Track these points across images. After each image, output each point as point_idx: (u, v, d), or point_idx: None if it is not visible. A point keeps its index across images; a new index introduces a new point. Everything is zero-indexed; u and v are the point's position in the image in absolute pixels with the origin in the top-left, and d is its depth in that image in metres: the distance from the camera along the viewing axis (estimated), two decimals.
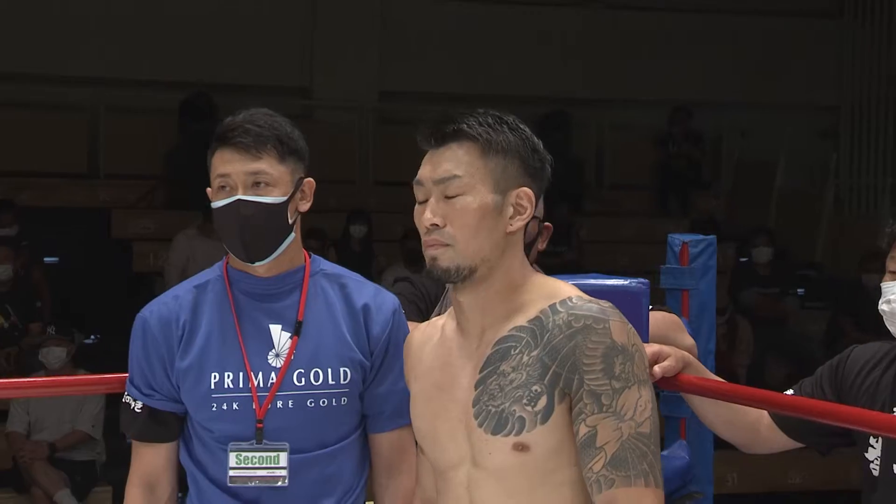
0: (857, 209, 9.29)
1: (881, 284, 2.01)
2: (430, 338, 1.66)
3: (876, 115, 9.48)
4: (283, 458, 1.77)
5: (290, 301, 1.83)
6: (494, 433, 1.47)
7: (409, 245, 7.00)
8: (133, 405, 1.85)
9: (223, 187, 1.77)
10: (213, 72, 8.29)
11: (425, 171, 1.53)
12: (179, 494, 2.02)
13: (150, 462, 1.87)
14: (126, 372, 2.01)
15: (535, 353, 1.46)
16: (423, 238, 1.50)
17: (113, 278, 7.41)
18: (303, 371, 1.79)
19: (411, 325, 1.87)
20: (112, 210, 7.84)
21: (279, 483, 1.77)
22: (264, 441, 1.76)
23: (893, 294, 1.94)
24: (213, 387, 1.77)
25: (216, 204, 1.80)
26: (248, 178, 1.74)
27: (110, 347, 6.76)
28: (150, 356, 1.84)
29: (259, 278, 1.82)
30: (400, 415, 1.87)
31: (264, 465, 1.78)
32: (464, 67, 9.04)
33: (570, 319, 1.45)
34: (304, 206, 1.84)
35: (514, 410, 1.46)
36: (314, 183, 1.83)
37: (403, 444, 1.89)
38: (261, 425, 1.75)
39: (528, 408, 1.45)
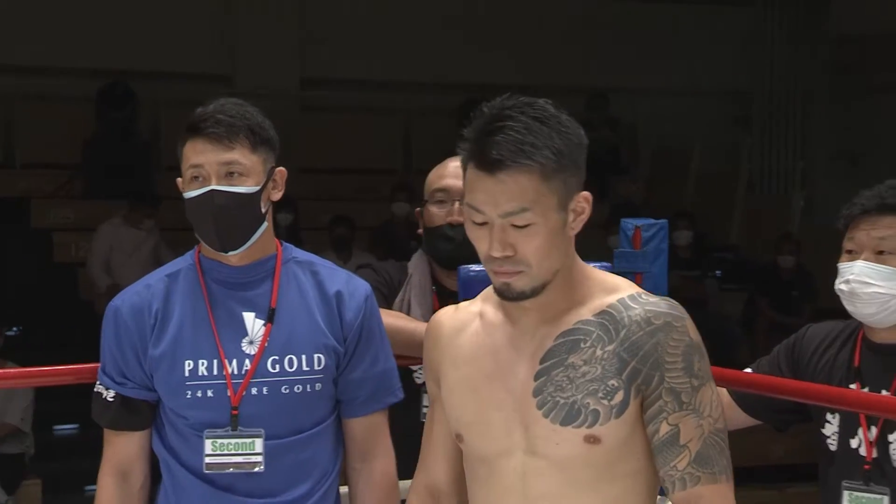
0: (769, 192, 9.53)
1: (838, 265, 2.03)
2: (465, 325, 1.64)
3: (786, 101, 9.72)
4: (259, 445, 1.75)
5: (262, 289, 1.81)
6: (564, 424, 1.47)
7: (336, 232, 7.03)
8: (105, 394, 1.82)
9: (196, 178, 1.75)
10: (132, 59, 8.11)
11: (485, 202, 1.45)
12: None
13: (123, 451, 1.84)
14: (48, 364, 2.03)
15: (609, 347, 1.47)
16: (492, 266, 1.47)
17: (33, 269, 7.26)
18: (277, 358, 1.77)
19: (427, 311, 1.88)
20: (31, 200, 7.66)
21: (255, 469, 1.75)
22: (239, 428, 1.75)
23: (851, 274, 1.96)
24: (186, 374, 1.75)
25: (189, 194, 1.78)
26: (221, 168, 1.73)
27: (33, 340, 6.68)
28: (123, 344, 1.81)
29: (232, 267, 1.80)
30: (374, 400, 1.89)
31: (240, 452, 1.76)
32: (383, 54, 8.94)
33: (650, 316, 1.46)
34: (276, 195, 1.84)
35: (588, 403, 1.46)
36: (285, 172, 1.82)
37: (377, 429, 1.89)
38: (236, 412, 1.74)
39: (604, 401, 1.46)
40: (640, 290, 1.57)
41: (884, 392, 1.93)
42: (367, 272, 2.30)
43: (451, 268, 2.26)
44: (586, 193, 1.46)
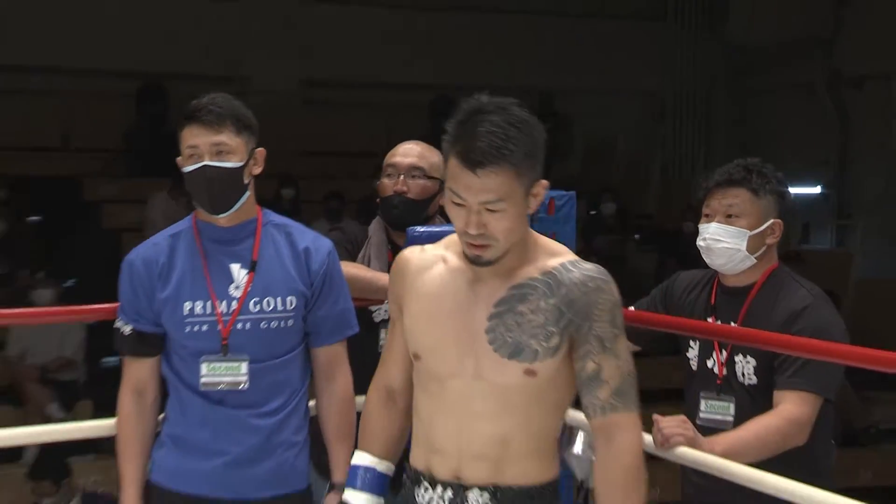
0: (678, 173, 9.58)
1: (699, 226, 2.03)
2: (430, 264, 1.60)
3: (693, 99, 9.76)
4: (244, 367, 1.75)
5: (246, 245, 1.81)
6: (510, 358, 1.45)
7: (330, 205, 7.09)
8: (123, 329, 1.82)
9: (192, 156, 1.75)
10: (165, 63, 8.12)
11: (466, 191, 1.42)
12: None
13: (139, 373, 1.84)
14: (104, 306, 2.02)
15: (552, 301, 1.45)
16: (466, 239, 1.44)
17: (85, 234, 7.26)
18: (257, 300, 1.77)
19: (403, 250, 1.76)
20: (83, 178, 7.76)
21: (241, 386, 1.75)
22: (229, 354, 1.75)
23: (707, 233, 1.97)
24: (186, 313, 1.75)
25: (186, 169, 1.77)
26: (212, 147, 1.73)
27: (88, 290, 6.69)
28: (137, 290, 1.81)
29: (221, 227, 1.79)
30: (335, 332, 1.88)
31: (229, 373, 1.77)
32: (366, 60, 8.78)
33: (585, 280, 1.44)
34: (257, 170, 1.84)
35: (531, 343, 1.45)
36: (265, 152, 1.79)
37: (338, 356, 1.89)
38: (226, 342, 1.74)
39: (543, 343, 1.44)
40: (576, 256, 1.56)
41: (732, 324, 1.95)
42: (336, 233, 2.27)
43: (400, 229, 2.22)
44: (545, 181, 1.46)
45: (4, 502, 4.99)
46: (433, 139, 1.99)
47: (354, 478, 1.60)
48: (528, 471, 1.48)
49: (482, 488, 1.46)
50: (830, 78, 8.29)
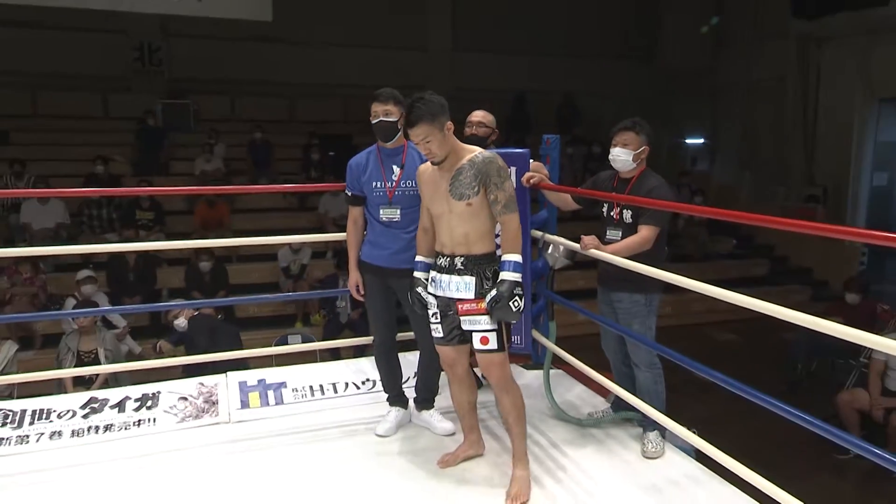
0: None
1: (611, 149, 2.82)
2: (426, 169, 2.46)
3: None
4: (398, 212, 2.66)
5: (399, 157, 2.67)
6: (459, 200, 2.30)
7: None
8: (349, 194, 2.77)
9: (375, 114, 2.59)
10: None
11: (413, 136, 2.31)
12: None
13: (355, 212, 2.77)
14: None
15: (472, 171, 2.29)
16: (425, 155, 2.36)
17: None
18: (405, 183, 2.64)
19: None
20: None
21: (397, 219, 2.66)
22: (392, 204, 2.66)
23: (614, 153, 2.78)
24: (374, 186, 2.66)
25: (374, 121, 2.61)
26: (382, 111, 2.58)
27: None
28: (353, 175, 2.72)
29: (387, 148, 2.65)
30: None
31: (392, 215, 2.68)
32: None
33: (485, 159, 2.30)
34: (401, 123, 2.49)
35: (466, 192, 2.29)
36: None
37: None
38: (391, 198, 2.65)
39: (471, 191, 2.29)
40: (480, 149, 2.37)
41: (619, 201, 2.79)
42: None
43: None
44: (450, 123, 2.28)
45: None
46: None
47: (416, 266, 2.51)
48: (480, 248, 2.34)
49: (461, 255, 2.34)
50: (711, 86, 12.06)
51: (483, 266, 2.33)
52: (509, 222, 2.30)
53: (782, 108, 11.17)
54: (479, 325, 2.31)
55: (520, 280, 2.28)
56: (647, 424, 2.82)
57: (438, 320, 2.42)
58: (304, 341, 5.69)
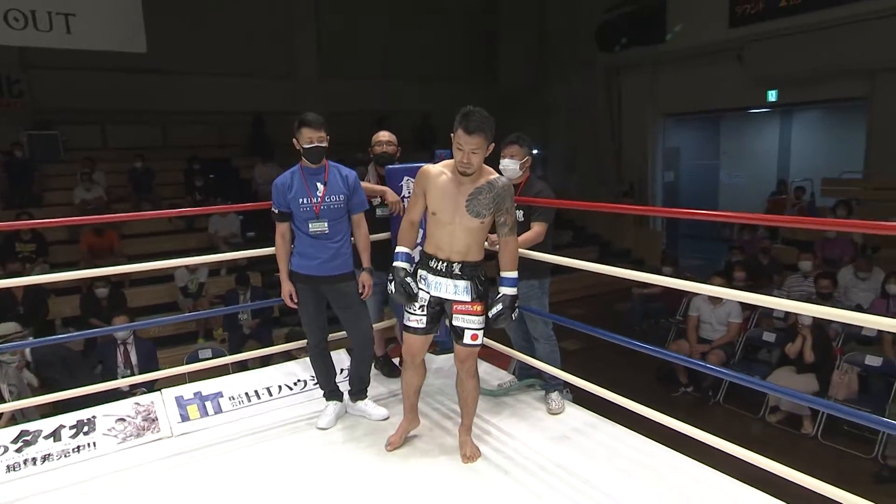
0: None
1: (500, 160, 2.84)
2: (440, 174, 2.27)
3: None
4: (326, 224, 2.59)
5: (321, 176, 2.61)
6: (474, 217, 2.24)
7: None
8: (276, 211, 2.63)
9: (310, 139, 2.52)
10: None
11: (465, 144, 2.13)
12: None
13: (282, 227, 2.66)
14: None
15: (490, 194, 2.21)
16: (460, 165, 2.16)
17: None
18: (330, 197, 2.59)
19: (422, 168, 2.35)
20: None
21: (325, 231, 2.58)
22: (319, 218, 2.58)
23: (503, 164, 2.84)
24: (300, 202, 2.57)
25: (307, 146, 2.52)
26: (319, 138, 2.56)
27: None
28: (279, 194, 2.62)
29: (311, 167, 2.58)
30: (359, 207, 2.64)
31: (319, 228, 2.60)
32: None
33: (503, 185, 2.23)
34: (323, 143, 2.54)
35: (482, 211, 2.23)
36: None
37: (361, 217, 2.68)
38: (318, 212, 2.58)
39: (486, 211, 2.24)
40: (497, 174, 2.30)
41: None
42: (359, 169, 3.00)
43: (381, 165, 3.13)
44: (492, 144, 2.20)
45: None
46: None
47: (398, 257, 2.36)
48: (476, 256, 2.32)
49: (459, 262, 2.31)
50: (540, 105, 12.80)
51: (477, 272, 2.33)
52: (511, 243, 2.31)
53: (596, 123, 12.22)
54: (472, 325, 2.33)
55: (516, 293, 2.32)
56: (549, 387, 2.97)
57: (424, 313, 2.37)
58: (214, 355, 5.33)
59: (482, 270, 2.34)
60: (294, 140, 2.57)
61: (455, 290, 2.29)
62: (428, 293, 2.34)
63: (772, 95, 9.72)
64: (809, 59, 8.56)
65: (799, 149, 12.21)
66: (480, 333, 2.34)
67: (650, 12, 10.24)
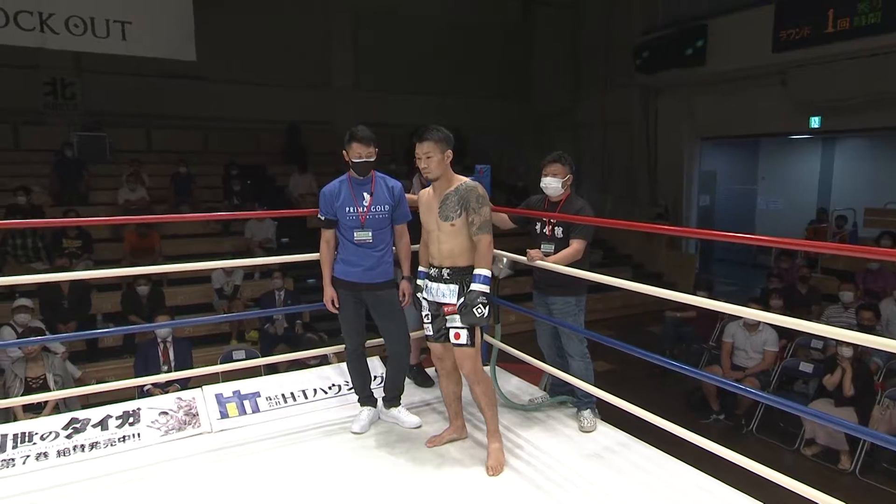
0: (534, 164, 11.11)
1: (542, 178, 2.92)
2: (426, 192, 2.56)
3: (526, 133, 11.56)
4: (370, 234, 2.67)
5: (368, 186, 2.69)
6: (446, 221, 2.41)
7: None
8: (322, 218, 2.73)
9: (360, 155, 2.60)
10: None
11: (420, 151, 2.38)
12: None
13: (328, 234, 2.75)
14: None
15: (456, 197, 2.39)
16: (421, 171, 2.40)
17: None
18: (376, 207, 2.67)
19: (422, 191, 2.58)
20: None
21: (369, 240, 2.66)
22: (364, 227, 2.66)
23: (545, 182, 2.90)
24: (347, 211, 2.66)
25: (356, 160, 2.62)
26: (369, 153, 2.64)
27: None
28: (327, 201, 2.70)
29: (358, 178, 2.67)
30: (402, 218, 2.73)
31: (364, 236, 2.67)
32: None
33: (468, 187, 2.39)
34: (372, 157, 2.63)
35: (451, 214, 2.39)
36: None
37: (404, 228, 2.79)
38: (363, 222, 2.66)
39: (455, 214, 2.38)
40: (467, 179, 2.45)
41: (552, 219, 2.91)
42: (404, 182, 2.96)
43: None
44: (449, 151, 2.39)
45: None
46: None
47: (419, 274, 2.60)
48: (463, 261, 2.43)
49: (447, 267, 2.44)
50: (573, 124, 12.50)
51: (465, 276, 2.42)
52: (482, 241, 2.37)
53: (630, 144, 12.19)
54: (454, 323, 2.41)
55: (486, 291, 2.36)
56: (582, 404, 2.98)
57: (430, 321, 2.50)
58: (247, 356, 5.46)
59: (471, 275, 2.40)
60: (344, 152, 2.66)
61: (445, 293, 2.39)
62: (426, 300, 2.48)
63: (815, 122, 9.60)
64: (854, 87, 8.46)
65: (841, 177, 11.98)
66: (464, 333, 2.38)
67: (692, 35, 10.24)
